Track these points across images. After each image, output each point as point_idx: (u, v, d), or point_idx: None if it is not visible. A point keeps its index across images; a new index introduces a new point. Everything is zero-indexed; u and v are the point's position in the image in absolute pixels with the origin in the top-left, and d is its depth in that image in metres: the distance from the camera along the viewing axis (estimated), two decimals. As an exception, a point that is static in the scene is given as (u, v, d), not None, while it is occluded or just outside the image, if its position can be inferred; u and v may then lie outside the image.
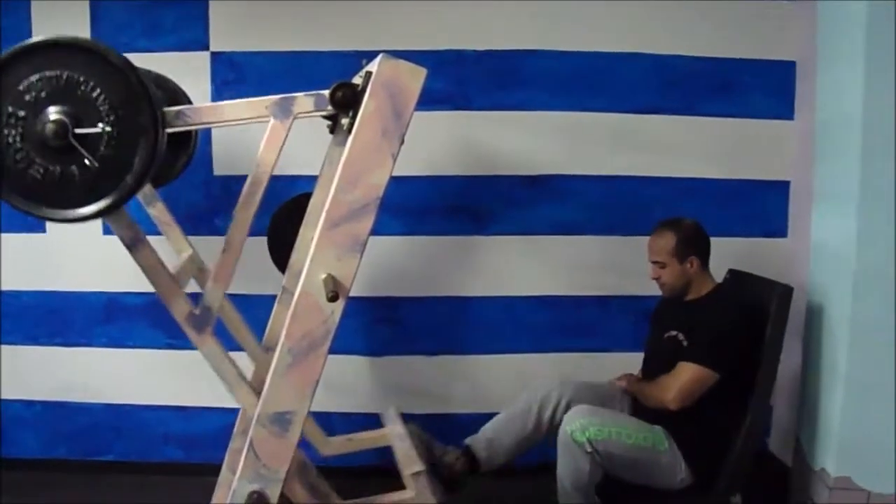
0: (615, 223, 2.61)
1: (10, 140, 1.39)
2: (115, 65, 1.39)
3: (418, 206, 2.60)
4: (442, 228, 2.63)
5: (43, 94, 1.38)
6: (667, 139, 2.61)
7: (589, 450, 1.92)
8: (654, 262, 2.17)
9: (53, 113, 1.38)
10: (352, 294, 1.54)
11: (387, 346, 2.67)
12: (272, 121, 1.57)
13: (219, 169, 2.60)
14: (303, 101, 1.57)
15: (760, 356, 2.02)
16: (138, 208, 2.05)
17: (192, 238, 2.18)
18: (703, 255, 2.16)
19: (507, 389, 2.43)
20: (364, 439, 2.29)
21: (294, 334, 1.53)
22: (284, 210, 2.16)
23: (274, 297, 1.99)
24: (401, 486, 1.90)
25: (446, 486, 2.06)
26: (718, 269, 2.26)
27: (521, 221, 2.62)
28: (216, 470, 2.11)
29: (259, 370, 1.90)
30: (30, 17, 2.55)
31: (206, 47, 2.57)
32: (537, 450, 2.16)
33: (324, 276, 1.50)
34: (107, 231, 2.48)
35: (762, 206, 2.63)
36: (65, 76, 1.38)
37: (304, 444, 2.19)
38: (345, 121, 1.56)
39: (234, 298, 2.12)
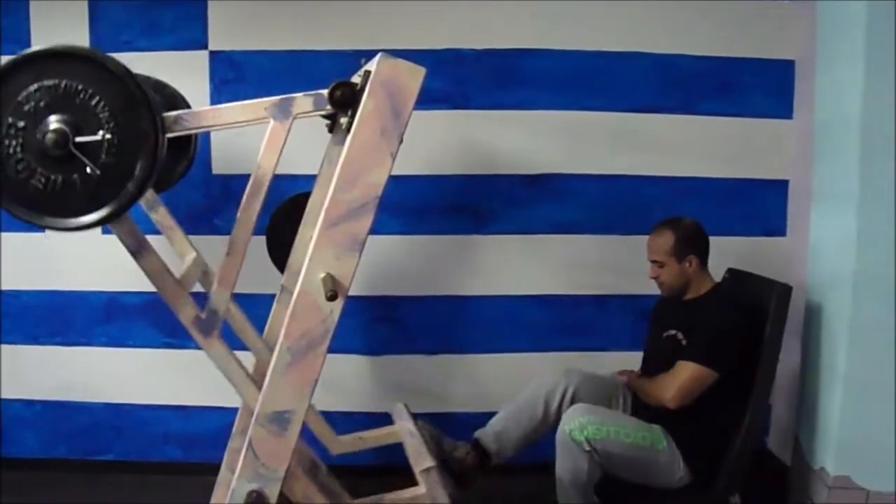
0: (614, 222, 2.62)
1: (11, 151, 1.39)
2: (114, 72, 1.39)
3: (417, 205, 2.61)
4: (441, 227, 2.63)
5: (42, 104, 1.38)
6: (666, 138, 2.61)
7: (587, 449, 1.92)
8: (653, 262, 2.17)
9: (53, 122, 1.38)
10: (351, 293, 1.54)
11: (386, 345, 2.67)
12: (272, 122, 1.57)
13: (217, 168, 2.60)
14: (302, 101, 1.57)
15: (759, 355, 2.02)
16: (136, 209, 2.05)
17: (191, 237, 2.18)
18: (702, 254, 2.16)
19: (506, 388, 2.43)
20: (374, 437, 2.27)
21: (293, 333, 1.53)
22: (283, 209, 2.16)
23: (273, 297, 1.99)
24: (403, 484, 1.90)
25: (457, 481, 2.06)
26: (717, 268, 2.26)
27: (520, 221, 2.62)
28: (215, 469, 2.11)
29: (264, 370, 1.90)
30: (28, 16, 2.55)
31: (205, 46, 2.57)
32: (537, 449, 2.16)
33: (323, 275, 1.50)
34: (106, 231, 2.45)
35: (761, 205, 2.64)
36: (63, 85, 1.38)
37: (313, 443, 2.21)
38: (343, 120, 1.56)
39: (234, 298, 2.12)
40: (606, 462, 1.95)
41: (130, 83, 1.40)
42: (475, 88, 2.57)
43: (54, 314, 2.67)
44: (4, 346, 2.67)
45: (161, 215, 2.12)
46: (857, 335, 2.09)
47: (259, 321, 2.06)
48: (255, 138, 1.64)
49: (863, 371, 2.09)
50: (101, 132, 1.39)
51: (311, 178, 1.97)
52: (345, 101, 1.53)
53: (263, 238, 2.17)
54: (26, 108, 1.38)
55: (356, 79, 1.56)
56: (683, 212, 2.25)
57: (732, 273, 2.35)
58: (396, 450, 2.22)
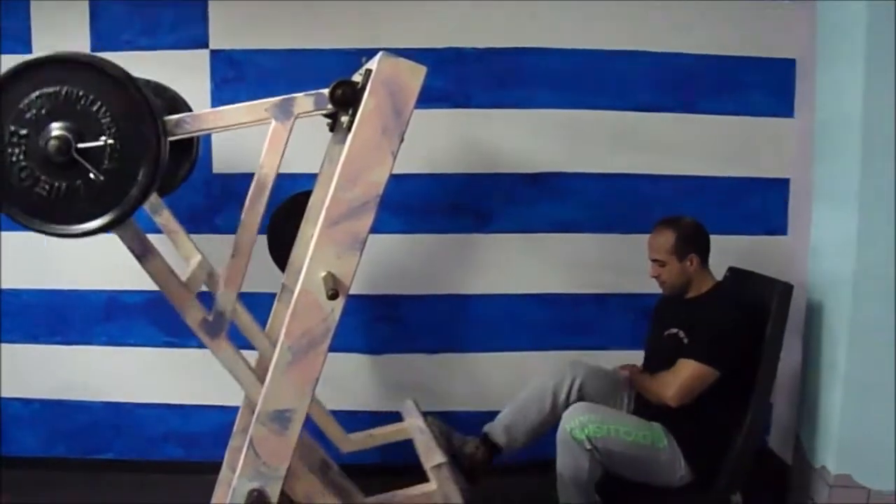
0: (615, 221, 2.62)
1: (14, 159, 1.39)
2: (114, 77, 1.39)
3: (418, 203, 2.60)
4: (442, 226, 2.63)
5: (44, 111, 1.39)
6: (667, 137, 2.61)
7: (588, 447, 1.92)
8: (654, 261, 2.17)
9: (55, 129, 1.38)
10: (352, 292, 1.54)
11: (387, 343, 2.67)
12: (273, 123, 1.57)
13: (218, 167, 2.60)
14: (303, 101, 1.57)
15: (761, 354, 2.02)
16: (139, 212, 2.05)
17: (192, 236, 2.18)
18: (703, 252, 2.16)
19: (506, 387, 2.43)
20: (384, 434, 2.27)
21: (294, 332, 1.52)
22: (284, 208, 2.16)
23: (274, 296, 1.99)
24: (405, 483, 1.89)
25: (467, 476, 2.07)
26: (719, 266, 2.26)
27: (520, 219, 2.62)
28: (216, 468, 2.11)
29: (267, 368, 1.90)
30: (29, 16, 2.55)
31: (206, 45, 2.57)
32: (538, 447, 2.16)
33: (324, 273, 1.50)
34: (106, 229, 2.47)
35: (762, 203, 2.64)
36: (64, 91, 1.38)
37: (324, 442, 2.21)
38: (345, 119, 1.55)
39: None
40: (607, 460, 1.95)
41: (131, 88, 1.40)
42: (476, 87, 2.57)
43: (54, 313, 2.67)
44: (4, 345, 2.66)
45: (165, 218, 2.13)
46: (857, 334, 2.09)
47: (260, 320, 2.06)
48: (255, 137, 1.63)
49: (864, 370, 2.09)
50: (103, 138, 1.39)
51: (311, 177, 1.97)
52: (346, 100, 1.53)
53: (264, 237, 2.17)
54: (28, 115, 1.39)
55: (357, 78, 1.56)
56: (684, 211, 2.25)
57: (733, 272, 2.35)
58: (397, 449, 2.22)
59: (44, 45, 2.52)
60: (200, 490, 2.18)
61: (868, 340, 2.09)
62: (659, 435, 2.00)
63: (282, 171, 1.61)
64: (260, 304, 2.12)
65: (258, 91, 1.63)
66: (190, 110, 2.12)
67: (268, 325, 1.99)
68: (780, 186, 2.63)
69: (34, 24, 2.55)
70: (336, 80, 1.53)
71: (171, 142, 1.50)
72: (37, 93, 1.38)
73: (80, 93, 1.38)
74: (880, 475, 2.12)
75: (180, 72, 2.48)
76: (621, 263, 2.60)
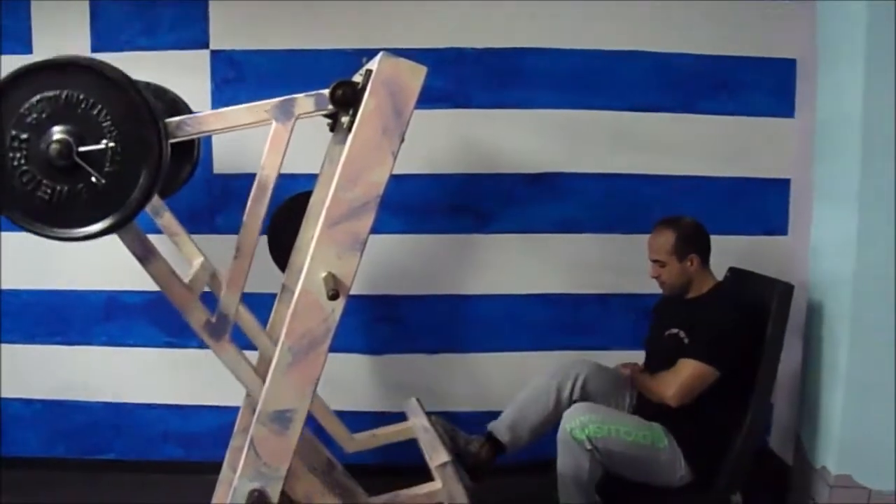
0: (615, 221, 2.62)
1: (16, 163, 1.40)
2: (114, 80, 1.39)
3: (419, 204, 2.60)
4: (442, 226, 2.63)
5: (44, 115, 1.39)
6: (667, 137, 2.61)
7: (588, 447, 1.93)
8: (654, 261, 2.17)
9: (56, 133, 1.38)
10: (352, 292, 1.54)
11: (387, 344, 2.67)
12: (274, 124, 1.57)
13: (219, 168, 2.60)
14: (303, 101, 1.57)
15: (761, 354, 2.02)
16: (141, 214, 2.05)
17: (193, 237, 2.17)
18: (703, 253, 2.16)
19: (507, 387, 2.43)
20: (388, 433, 2.27)
21: (294, 332, 1.52)
22: (285, 208, 2.16)
23: (274, 296, 1.99)
24: (409, 483, 1.89)
25: (472, 475, 2.07)
26: (719, 266, 2.26)
27: (521, 220, 2.62)
28: (216, 468, 2.11)
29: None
30: (29, 16, 2.55)
31: (206, 46, 2.57)
32: (538, 447, 2.16)
33: (324, 274, 1.50)
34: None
35: (763, 204, 2.64)
36: (65, 95, 1.38)
37: (329, 442, 2.20)
38: (345, 119, 1.55)
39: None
40: (608, 460, 1.95)
41: (131, 91, 1.40)
42: (476, 87, 2.57)
43: (54, 313, 2.67)
44: (4, 345, 2.66)
45: (167, 220, 2.13)
46: (858, 334, 2.09)
47: (261, 321, 2.06)
48: (256, 137, 1.63)
49: (864, 370, 2.09)
50: (104, 141, 1.39)
51: (312, 178, 1.97)
52: (346, 101, 1.53)
53: (265, 237, 2.17)
54: (29, 119, 1.39)
55: (357, 78, 1.56)
56: (685, 211, 2.25)
57: (734, 272, 2.34)
58: (400, 449, 2.22)
59: (44, 45, 2.52)
60: (200, 490, 2.18)
61: (868, 340, 2.09)
62: (659, 435, 2.00)
63: (282, 171, 1.61)
64: (261, 305, 2.12)
65: (259, 91, 1.63)
66: (190, 113, 2.12)
67: (268, 326, 1.99)
68: (780, 186, 2.63)
69: (34, 24, 2.55)
70: (336, 81, 1.53)
71: (173, 144, 1.50)
72: (37, 97, 1.38)
73: (81, 96, 1.39)
74: (881, 475, 2.12)
75: (181, 72, 2.48)
76: (621, 263, 2.60)
